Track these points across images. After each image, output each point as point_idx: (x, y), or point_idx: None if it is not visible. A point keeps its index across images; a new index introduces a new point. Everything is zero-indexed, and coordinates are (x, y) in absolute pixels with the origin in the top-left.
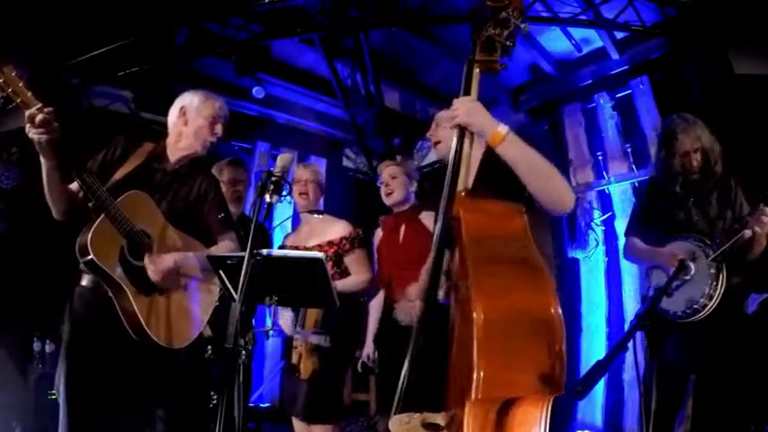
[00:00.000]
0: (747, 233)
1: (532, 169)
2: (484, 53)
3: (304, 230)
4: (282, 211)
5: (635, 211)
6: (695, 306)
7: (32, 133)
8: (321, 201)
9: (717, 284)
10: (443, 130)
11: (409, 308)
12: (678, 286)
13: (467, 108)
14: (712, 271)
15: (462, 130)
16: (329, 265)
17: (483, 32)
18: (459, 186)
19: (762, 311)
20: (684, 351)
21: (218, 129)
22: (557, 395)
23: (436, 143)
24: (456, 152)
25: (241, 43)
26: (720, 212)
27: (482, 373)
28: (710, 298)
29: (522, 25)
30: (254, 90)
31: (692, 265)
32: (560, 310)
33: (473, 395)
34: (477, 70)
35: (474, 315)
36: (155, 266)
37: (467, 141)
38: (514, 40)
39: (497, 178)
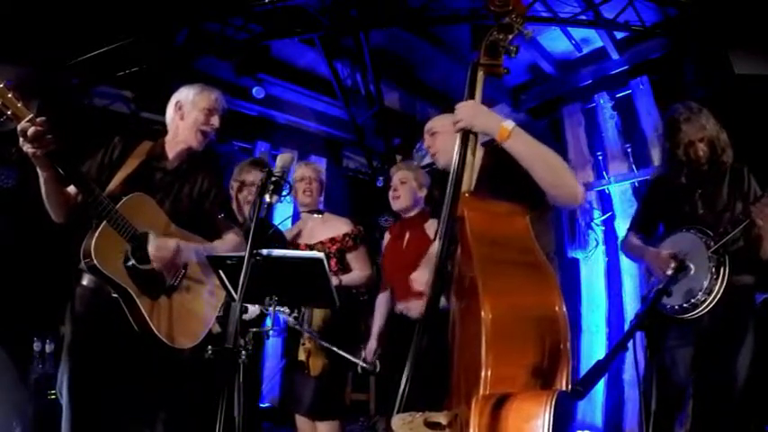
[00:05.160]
0: (758, 225)
1: (541, 162)
2: (488, 57)
3: (306, 228)
4: (282, 211)
5: (639, 207)
6: (693, 300)
7: (26, 147)
8: (322, 199)
9: (717, 278)
10: (441, 139)
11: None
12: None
13: (469, 111)
14: (712, 264)
15: (466, 135)
16: (333, 262)
17: (488, 37)
18: (463, 188)
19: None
20: (685, 351)
21: (215, 120)
22: (562, 391)
23: (434, 154)
24: (459, 158)
25: (241, 43)
26: (729, 204)
27: (490, 370)
28: (710, 292)
29: (525, 31)
30: (254, 90)
31: (691, 266)
32: (564, 309)
33: (481, 390)
34: (481, 73)
35: (482, 313)
36: (157, 244)
37: (470, 146)
38: (518, 46)
39: (497, 181)
